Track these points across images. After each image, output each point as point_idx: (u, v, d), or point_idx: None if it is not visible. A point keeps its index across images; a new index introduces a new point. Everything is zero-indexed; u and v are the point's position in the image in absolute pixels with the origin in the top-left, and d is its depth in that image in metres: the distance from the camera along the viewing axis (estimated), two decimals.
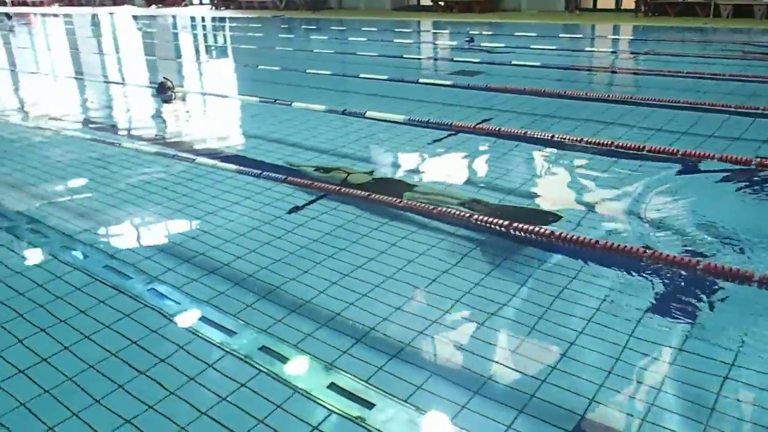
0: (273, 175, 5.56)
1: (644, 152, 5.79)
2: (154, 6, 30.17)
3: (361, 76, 10.44)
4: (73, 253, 4.24)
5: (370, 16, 21.80)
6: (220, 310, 3.47)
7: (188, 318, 3.42)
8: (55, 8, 31.62)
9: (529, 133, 6.58)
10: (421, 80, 10.08)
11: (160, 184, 5.51)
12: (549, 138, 6.38)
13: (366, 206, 4.84)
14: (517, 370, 2.91)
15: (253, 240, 4.35)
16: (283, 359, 3.02)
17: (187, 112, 8.92)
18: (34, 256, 4.27)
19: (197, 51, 16.78)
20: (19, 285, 3.76)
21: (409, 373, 2.90)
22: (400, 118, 7.42)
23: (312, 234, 4.40)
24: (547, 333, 3.17)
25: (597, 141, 6.13)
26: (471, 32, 15.17)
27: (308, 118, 7.74)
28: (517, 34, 15.05)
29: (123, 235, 4.62)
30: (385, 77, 10.12)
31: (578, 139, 6.24)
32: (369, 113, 7.69)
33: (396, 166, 6.19)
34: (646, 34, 15.07)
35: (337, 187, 5.17)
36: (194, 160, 6.14)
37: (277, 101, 8.65)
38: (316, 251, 4.13)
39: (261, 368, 2.96)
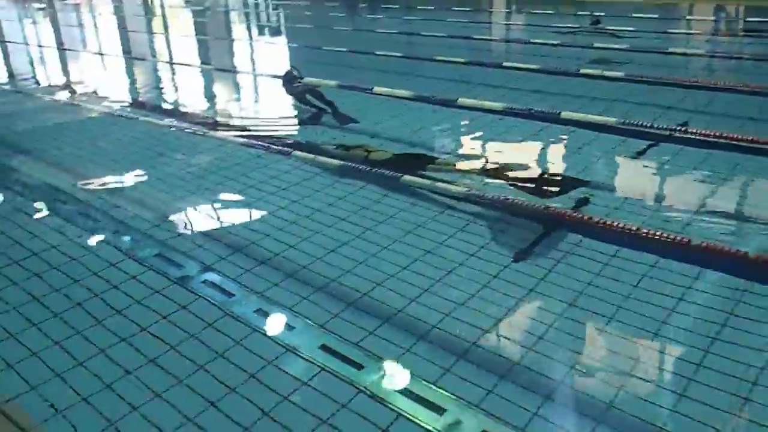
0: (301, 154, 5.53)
1: None
2: None
3: (449, 59, 9.38)
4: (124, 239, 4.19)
5: None
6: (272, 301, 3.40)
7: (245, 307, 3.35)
8: None
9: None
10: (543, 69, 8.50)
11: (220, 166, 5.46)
12: None
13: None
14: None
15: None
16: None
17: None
18: (87, 241, 4.20)
19: (249, 30, 16.01)
20: (74, 272, 3.72)
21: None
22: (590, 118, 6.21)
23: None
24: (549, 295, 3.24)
25: None
26: (595, 13, 12.89)
27: (395, 106, 7.21)
28: (647, 15, 12.92)
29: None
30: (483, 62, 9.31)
31: None
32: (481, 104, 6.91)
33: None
34: None
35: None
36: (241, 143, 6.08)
37: (357, 86, 7.95)
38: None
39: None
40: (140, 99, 8.62)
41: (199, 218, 4.62)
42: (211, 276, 3.68)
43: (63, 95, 8.65)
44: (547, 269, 3.62)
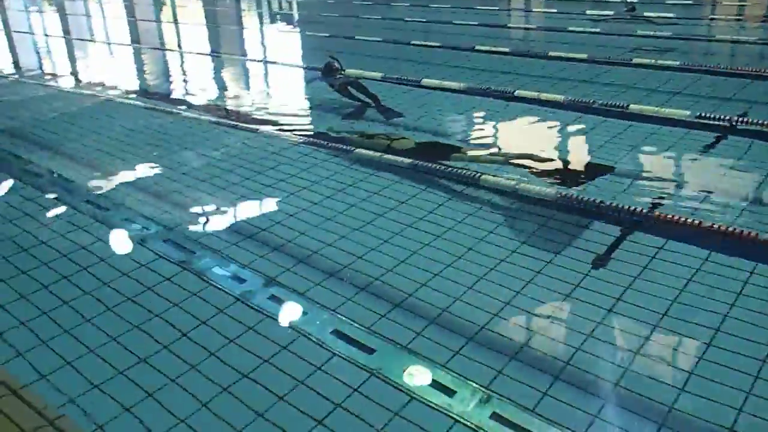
0: (339, 146, 5.39)
1: None
2: None
3: (486, 48, 9.07)
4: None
5: None
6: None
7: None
8: None
9: None
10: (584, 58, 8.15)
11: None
12: None
13: None
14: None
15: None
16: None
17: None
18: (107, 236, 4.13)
19: (276, 21, 15.33)
20: (103, 274, 3.62)
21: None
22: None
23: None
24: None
25: None
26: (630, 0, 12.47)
27: (442, 99, 6.85)
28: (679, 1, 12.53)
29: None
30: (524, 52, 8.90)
31: None
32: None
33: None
34: None
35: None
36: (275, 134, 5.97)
37: (402, 79, 7.49)
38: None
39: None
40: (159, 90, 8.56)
41: None
42: None
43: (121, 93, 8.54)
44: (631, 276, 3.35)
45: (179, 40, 12.89)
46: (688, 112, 5.73)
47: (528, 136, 5.75)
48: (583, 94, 6.54)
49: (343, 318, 3.07)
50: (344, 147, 5.30)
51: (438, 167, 4.75)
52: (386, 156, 5.02)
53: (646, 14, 11.18)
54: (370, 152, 5.13)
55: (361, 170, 4.88)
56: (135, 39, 13.28)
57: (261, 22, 15.09)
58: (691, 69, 7.37)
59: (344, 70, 7.36)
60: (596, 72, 7.57)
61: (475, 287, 3.29)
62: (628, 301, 3.14)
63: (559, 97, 6.40)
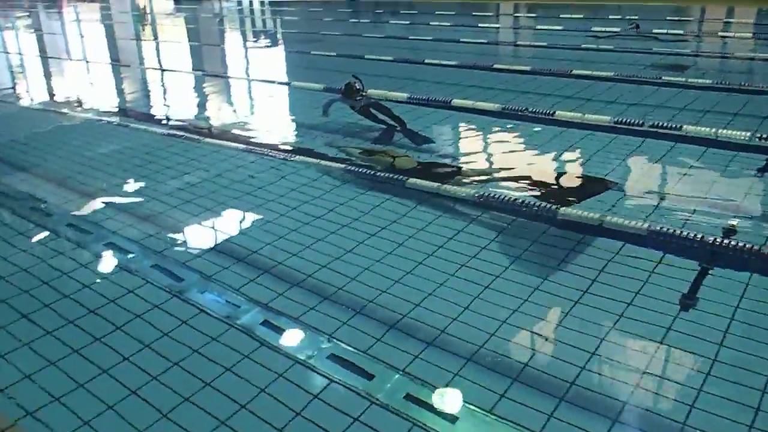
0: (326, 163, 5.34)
1: None
2: None
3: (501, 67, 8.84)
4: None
5: None
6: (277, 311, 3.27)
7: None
8: None
9: None
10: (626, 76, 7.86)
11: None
12: None
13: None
14: None
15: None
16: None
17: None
18: (79, 256, 4.03)
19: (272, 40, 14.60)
20: (66, 288, 3.56)
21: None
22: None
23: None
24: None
25: None
26: (632, 17, 12.36)
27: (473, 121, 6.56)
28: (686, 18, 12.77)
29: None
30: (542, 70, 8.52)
31: None
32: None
33: None
34: None
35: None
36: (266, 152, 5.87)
37: (431, 99, 7.22)
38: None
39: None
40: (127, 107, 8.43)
41: None
42: None
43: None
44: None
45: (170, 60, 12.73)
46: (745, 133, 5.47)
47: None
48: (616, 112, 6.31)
49: (340, 343, 3.00)
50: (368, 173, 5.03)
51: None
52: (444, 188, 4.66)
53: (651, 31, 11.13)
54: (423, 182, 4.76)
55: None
56: (127, 59, 13.11)
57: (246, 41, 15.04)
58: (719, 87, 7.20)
59: (365, 91, 6.74)
60: (622, 90, 7.36)
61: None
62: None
63: (605, 119, 6.12)
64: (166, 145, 6.17)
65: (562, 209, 4.17)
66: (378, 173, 4.97)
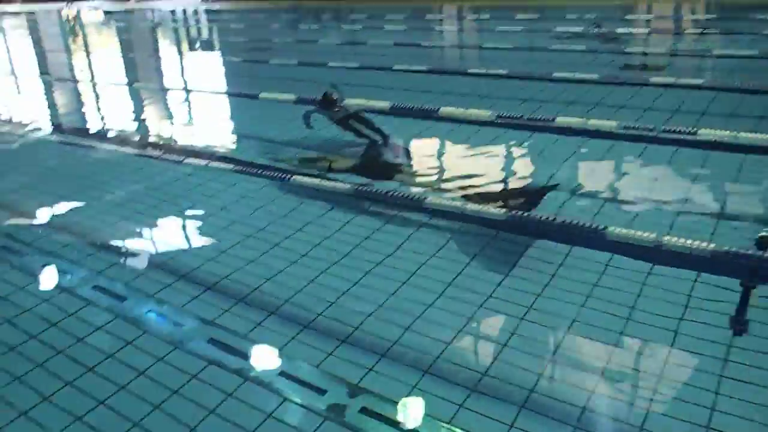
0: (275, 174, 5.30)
1: None
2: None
3: (471, 71, 8.73)
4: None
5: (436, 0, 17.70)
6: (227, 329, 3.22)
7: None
8: (17, 6, 29.89)
9: None
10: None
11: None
12: None
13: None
14: None
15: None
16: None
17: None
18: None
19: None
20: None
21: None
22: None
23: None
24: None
25: None
26: (590, 17, 12.39)
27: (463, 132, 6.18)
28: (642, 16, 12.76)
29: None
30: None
31: None
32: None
33: None
34: None
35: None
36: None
37: (415, 108, 6.68)
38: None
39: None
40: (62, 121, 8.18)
41: None
42: None
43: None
44: None
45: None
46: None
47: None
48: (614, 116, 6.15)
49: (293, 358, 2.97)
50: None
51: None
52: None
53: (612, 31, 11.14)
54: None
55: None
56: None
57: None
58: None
59: (343, 101, 6.06)
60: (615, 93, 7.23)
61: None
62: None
63: (612, 124, 5.92)
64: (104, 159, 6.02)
65: (469, 205, 4.36)
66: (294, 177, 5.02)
